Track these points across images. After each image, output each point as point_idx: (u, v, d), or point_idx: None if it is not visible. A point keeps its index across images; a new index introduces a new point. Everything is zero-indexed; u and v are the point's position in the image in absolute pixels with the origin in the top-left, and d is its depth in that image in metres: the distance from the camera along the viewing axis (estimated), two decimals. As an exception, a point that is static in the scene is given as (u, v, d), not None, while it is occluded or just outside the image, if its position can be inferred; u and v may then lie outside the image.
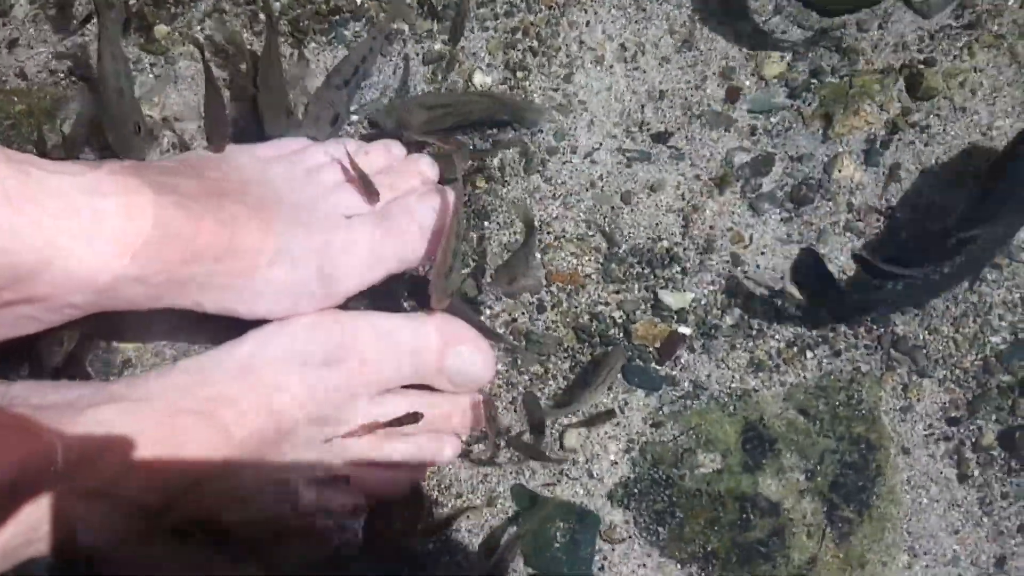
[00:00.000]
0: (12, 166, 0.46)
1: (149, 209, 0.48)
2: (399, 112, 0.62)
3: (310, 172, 0.57)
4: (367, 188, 0.55)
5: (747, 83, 0.66)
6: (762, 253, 0.63)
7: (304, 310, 0.55)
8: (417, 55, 0.66)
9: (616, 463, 0.60)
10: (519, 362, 0.61)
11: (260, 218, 0.53)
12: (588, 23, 0.66)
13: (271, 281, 0.53)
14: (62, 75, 0.64)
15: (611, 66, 0.66)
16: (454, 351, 0.56)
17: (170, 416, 0.49)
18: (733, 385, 0.60)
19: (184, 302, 0.52)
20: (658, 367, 0.61)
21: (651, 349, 0.61)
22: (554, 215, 0.63)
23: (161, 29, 0.65)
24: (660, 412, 0.60)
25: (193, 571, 0.54)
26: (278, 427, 0.52)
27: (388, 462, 0.56)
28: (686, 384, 0.61)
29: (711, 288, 0.62)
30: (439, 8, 0.66)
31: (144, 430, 0.48)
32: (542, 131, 0.65)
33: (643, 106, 0.65)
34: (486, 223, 0.63)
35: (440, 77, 0.66)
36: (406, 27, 0.66)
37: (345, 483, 0.55)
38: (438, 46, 0.67)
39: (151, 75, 0.65)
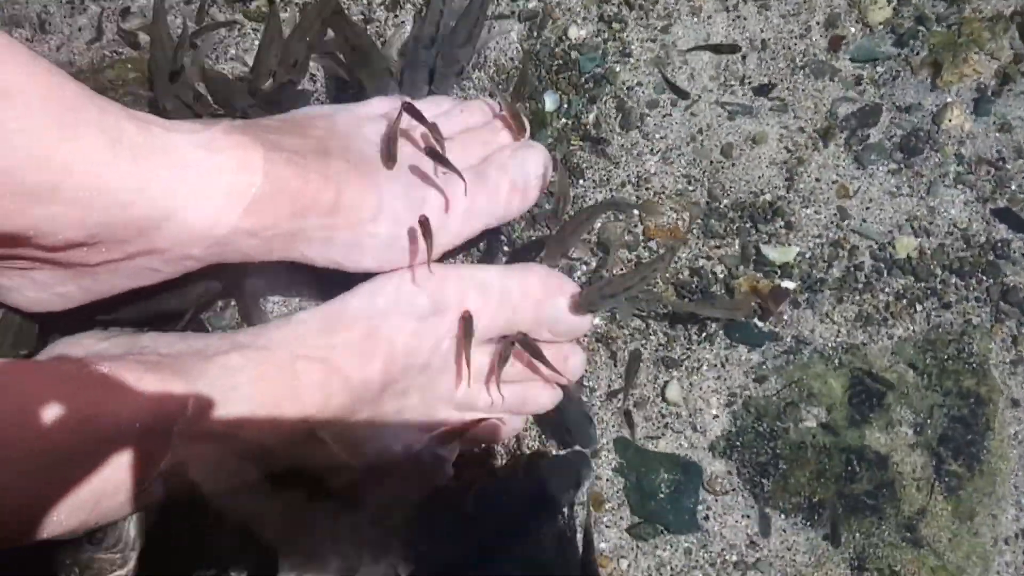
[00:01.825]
0: (136, 123, 0.47)
1: (260, 164, 0.49)
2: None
3: (407, 130, 0.58)
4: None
5: (852, 30, 0.64)
6: (868, 206, 0.61)
7: (404, 263, 0.56)
8: (512, 13, 0.66)
9: (718, 416, 0.60)
10: (618, 317, 0.62)
11: (362, 174, 0.54)
12: (686, -27, 0.65)
13: (374, 235, 0.54)
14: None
15: (710, 16, 0.65)
16: (552, 301, 0.56)
17: (291, 363, 0.51)
18: (839, 339, 0.60)
19: (293, 255, 0.54)
20: (760, 323, 0.60)
21: (753, 304, 0.60)
22: (652, 170, 0.63)
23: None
24: (763, 367, 0.60)
25: (295, 518, 0.56)
26: (389, 374, 0.53)
27: (491, 410, 0.57)
28: (789, 339, 0.60)
29: (816, 242, 0.61)
30: (534, -37, 0.66)
31: (267, 376, 0.50)
32: (641, 84, 0.64)
33: (744, 57, 0.64)
34: (580, 181, 0.64)
35: (535, 34, 0.66)
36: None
37: (450, 430, 0.56)
38: (532, 3, 0.66)
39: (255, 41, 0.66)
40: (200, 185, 0.48)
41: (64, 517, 0.44)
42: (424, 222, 0.52)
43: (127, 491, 0.47)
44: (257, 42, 0.65)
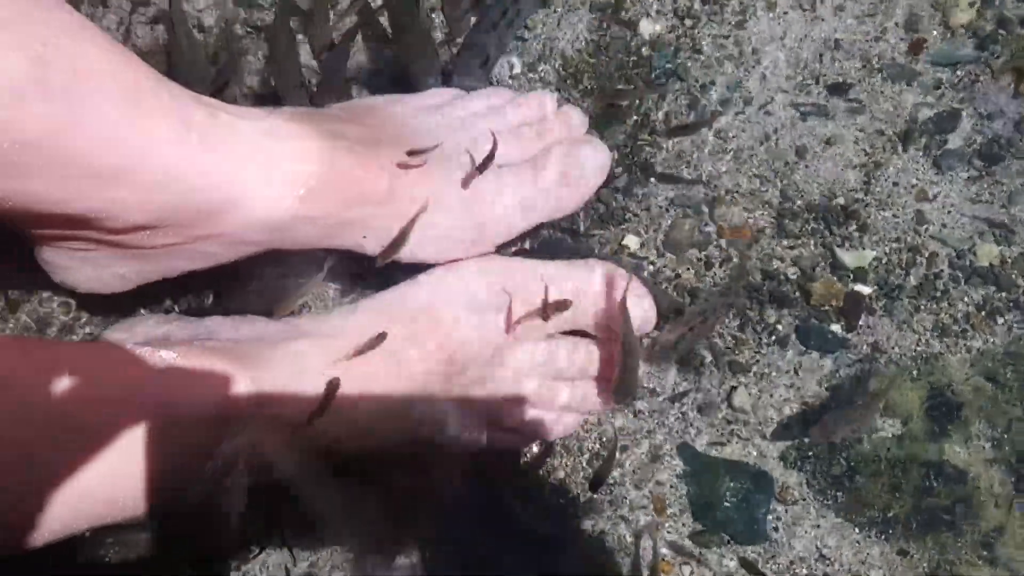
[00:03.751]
0: (204, 109, 0.46)
1: (319, 153, 0.49)
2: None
3: (464, 121, 0.57)
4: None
5: (933, 33, 0.62)
6: (948, 212, 0.60)
7: (458, 255, 0.55)
8: (583, 3, 0.65)
9: (789, 425, 0.58)
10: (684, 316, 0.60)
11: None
12: (762, -32, 0.64)
13: (428, 225, 0.53)
14: (237, 26, 0.64)
15: (785, 13, 0.63)
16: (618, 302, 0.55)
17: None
18: (918, 349, 0.58)
19: (348, 243, 0.53)
20: (835, 328, 0.58)
21: (827, 309, 0.59)
22: (724, 169, 0.62)
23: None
24: (836, 375, 0.58)
25: (357, 507, 0.55)
26: (451, 366, 0.52)
27: (551, 406, 0.55)
28: (864, 347, 0.58)
29: (893, 247, 0.59)
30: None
31: (333, 363, 0.49)
32: (713, 83, 0.63)
33: (820, 56, 0.63)
34: (651, 180, 0.62)
35: (605, 25, 0.64)
36: (571, -25, 0.65)
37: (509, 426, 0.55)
38: (603, -4, 0.65)
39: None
40: (262, 172, 0.47)
41: (137, 502, 0.43)
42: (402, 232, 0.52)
43: (199, 479, 0.46)
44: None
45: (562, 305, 0.53)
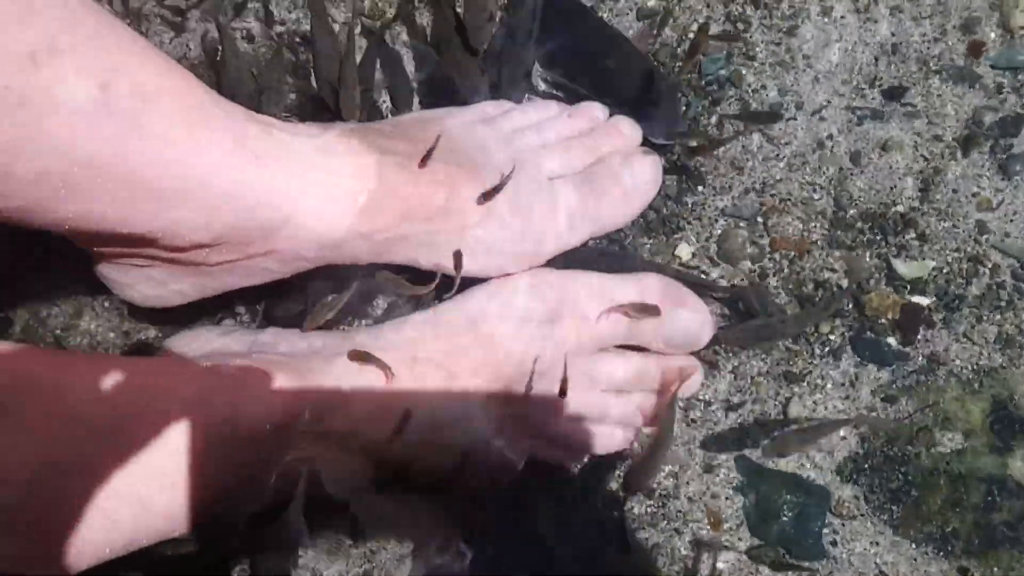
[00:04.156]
0: (258, 126, 0.47)
1: (374, 169, 0.49)
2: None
3: (514, 134, 0.57)
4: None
5: (992, 36, 0.61)
6: (1011, 220, 0.58)
7: (511, 269, 0.55)
8: (630, 11, 0.64)
9: (845, 438, 0.57)
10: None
11: (470, 179, 0.53)
12: (816, -28, 0.63)
13: (480, 240, 0.53)
14: (286, 37, 0.65)
15: (840, 16, 0.62)
16: (673, 313, 0.54)
17: (409, 365, 0.50)
18: (980, 362, 0.57)
19: (401, 258, 0.53)
20: (891, 341, 0.57)
21: (883, 321, 0.58)
22: (777, 177, 0.61)
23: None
24: (893, 387, 0.57)
25: (406, 519, 0.56)
26: (503, 378, 0.52)
27: (603, 420, 0.55)
28: (921, 359, 0.57)
29: (954, 256, 0.58)
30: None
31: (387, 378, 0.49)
32: (764, 87, 0.62)
33: (875, 60, 0.61)
34: (700, 187, 0.61)
35: (655, 32, 0.64)
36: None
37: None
38: (652, 2, 0.64)
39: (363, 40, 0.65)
40: (317, 189, 0.47)
41: (193, 515, 0.43)
42: (457, 255, 0.52)
43: (250, 491, 0.46)
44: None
45: (652, 311, 0.52)
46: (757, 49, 0.62)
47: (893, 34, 0.62)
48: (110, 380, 0.42)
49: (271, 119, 0.49)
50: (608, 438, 0.56)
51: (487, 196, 0.51)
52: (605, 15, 0.64)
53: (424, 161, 0.50)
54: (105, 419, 0.41)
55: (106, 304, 0.60)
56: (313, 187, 0.47)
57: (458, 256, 0.52)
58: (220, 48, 0.58)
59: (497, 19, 0.63)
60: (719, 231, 0.60)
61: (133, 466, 0.42)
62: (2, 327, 0.59)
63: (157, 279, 0.51)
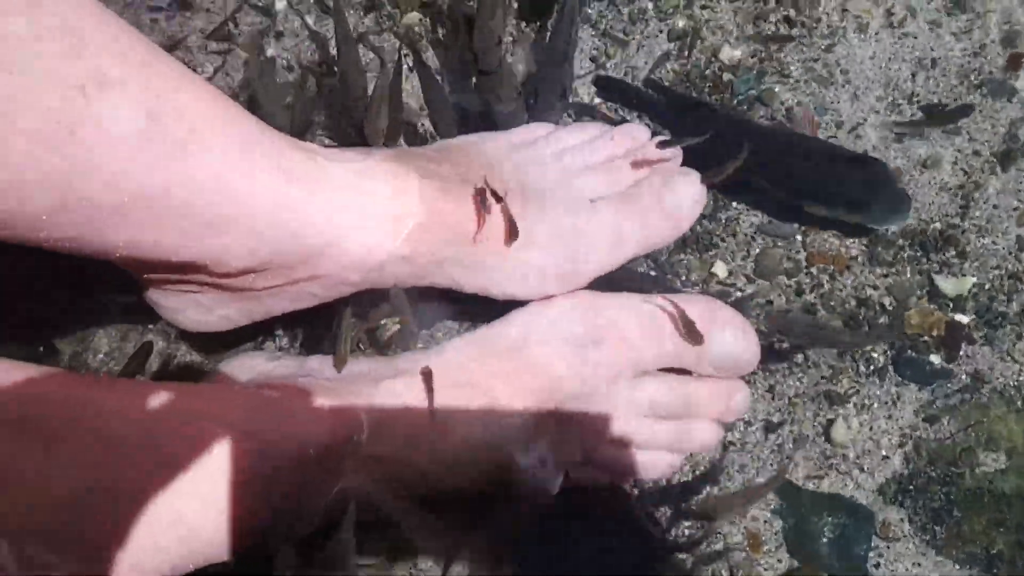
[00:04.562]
0: (302, 153, 0.48)
1: (416, 193, 0.49)
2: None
3: (555, 157, 0.57)
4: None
5: (1033, 48, 0.60)
6: (1054, 235, 0.57)
7: (553, 291, 0.55)
8: (661, 32, 0.65)
9: (888, 458, 0.57)
10: (776, 348, 0.59)
11: (511, 202, 0.53)
12: (851, -11, 0.62)
13: (522, 262, 0.53)
14: (323, 65, 0.66)
15: (876, 33, 0.62)
16: (719, 334, 0.54)
17: (452, 389, 0.51)
18: (1022, 379, 0.56)
19: (443, 281, 0.54)
20: (933, 359, 0.57)
21: (926, 339, 0.57)
22: (814, 194, 0.60)
23: (412, 16, 0.66)
24: (934, 406, 0.57)
25: (440, 541, 0.56)
26: (544, 403, 0.53)
27: (649, 445, 0.55)
28: (964, 377, 0.57)
29: (995, 273, 0.57)
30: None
31: (428, 402, 0.50)
32: (800, 104, 0.62)
33: (913, 75, 0.61)
34: (735, 204, 0.61)
35: (685, 53, 0.64)
36: (649, 4, 0.65)
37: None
38: (682, 23, 0.65)
39: (406, 64, 0.66)
40: (361, 213, 0.48)
41: (238, 540, 0.44)
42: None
43: (298, 517, 0.47)
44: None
45: (695, 336, 0.52)
46: (792, 68, 0.62)
47: (932, 48, 0.61)
48: (156, 405, 0.43)
49: (314, 146, 0.49)
50: (654, 463, 0.55)
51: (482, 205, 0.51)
52: (637, 37, 0.64)
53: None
54: (152, 444, 0.42)
55: (150, 327, 0.62)
56: (355, 212, 0.48)
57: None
58: (258, 78, 0.60)
59: (509, 41, 0.64)
60: (756, 249, 0.60)
61: (181, 491, 0.42)
62: (49, 354, 0.60)
63: (205, 304, 0.53)
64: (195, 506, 0.43)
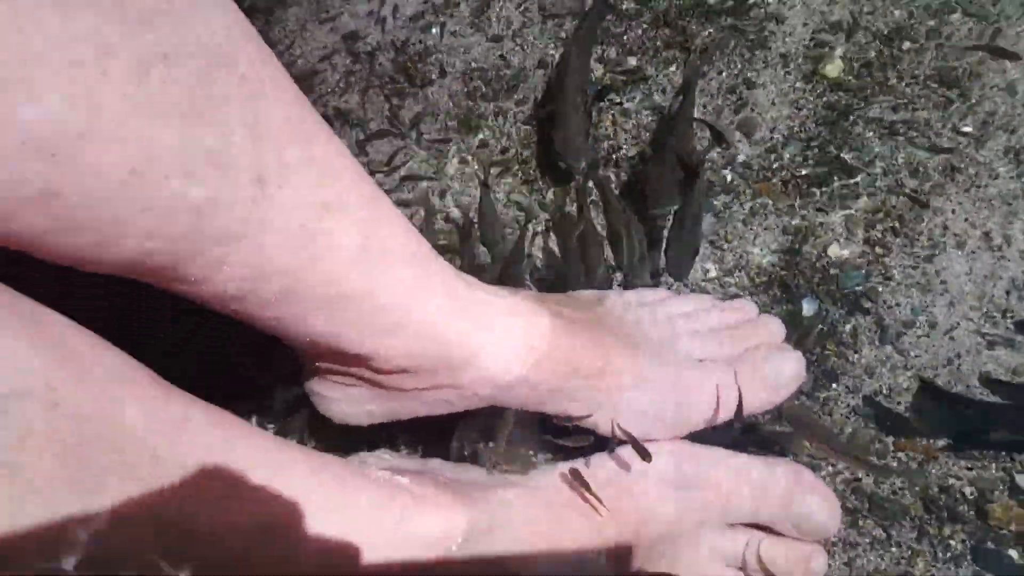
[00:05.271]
0: (463, 282, 0.57)
1: (548, 329, 0.58)
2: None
3: (669, 319, 0.65)
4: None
5: (1123, 282, 0.65)
6: None
7: (654, 434, 0.61)
8: (777, 226, 0.73)
9: (962, 645, 0.58)
10: (859, 523, 0.63)
11: (628, 347, 0.60)
12: (953, 211, 0.70)
13: (632, 402, 0.60)
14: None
15: (974, 252, 0.69)
16: (802, 498, 0.58)
17: (557, 508, 0.57)
18: (1103, 587, 0.58)
19: (556, 408, 0.61)
20: (1014, 554, 0.59)
21: (1006, 532, 0.60)
22: (905, 386, 0.66)
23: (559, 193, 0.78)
24: (1013, 602, 0.58)
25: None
26: (639, 537, 0.57)
27: (728, 593, 0.59)
28: (1045, 576, 0.59)
29: (1077, 481, 0.61)
30: (803, 187, 0.73)
31: (536, 517, 0.56)
32: (899, 304, 0.68)
33: (1007, 293, 0.67)
34: (834, 385, 0.67)
35: (797, 247, 0.72)
36: (769, 201, 0.74)
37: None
38: (796, 221, 0.73)
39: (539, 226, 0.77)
40: (501, 339, 0.57)
41: None
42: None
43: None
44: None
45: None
46: (894, 271, 0.69)
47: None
48: (298, 477, 0.50)
49: (472, 278, 0.59)
50: None
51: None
52: (754, 227, 0.73)
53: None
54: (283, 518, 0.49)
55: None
56: (498, 337, 0.57)
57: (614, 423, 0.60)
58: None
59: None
60: (849, 429, 0.65)
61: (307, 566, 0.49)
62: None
63: (356, 398, 0.61)
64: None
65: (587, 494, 0.57)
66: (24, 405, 0.33)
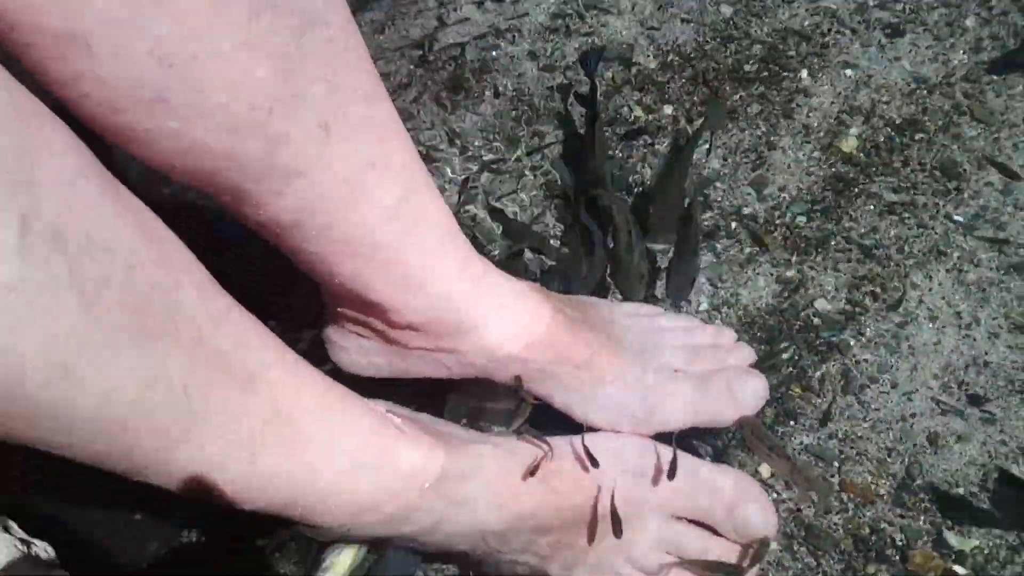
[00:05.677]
0: (480, 261, 0.64)
1: (548, 318, 0.65)
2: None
3: (656, 331, 0.72)
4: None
5: (1074, 377, 0.71)
6: (1059, 527, 0.66)
7: (622, 428, 0.67)
8: (772, 274, 0.80)
9: (865, 669, 0.63)
10: (793, 548, 0.68)
11: (614, 348, 0.68)
12: (931, 289, 0.77)
13: (608, 395, 0.67)
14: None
15: (943, 327, 0.75)
16: (744, 505, 0.64)
17: (520, 473, 0.63)
18: (1001, 637, 0.63)
19: (541, 391, 0.67)
20: (927, 598, 0.65)
21: (923, 577, 0.65)
22: (859, 434, 0.72)
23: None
24: (920, 640, 0.64)
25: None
26: (592, 510, 0.64)
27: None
28: (951, 623, 0.64)
29: (997, 542, 0.66)
30: (800, 244, 0.81)
31: (508, 469, 0.62)
32: (867, 360, 0.75)
33: (966, 367, 0.73)
34: (792, 422, 0.73)
35: (786, 296, 0.79)
36: (764, 256, 0.81)
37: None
38: (790, 272, 0.80)
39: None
40: (504, 316, 0.64)
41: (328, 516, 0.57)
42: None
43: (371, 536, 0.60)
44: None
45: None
46: (868, 330, 0.76)
47: (987, 353, 0.74)
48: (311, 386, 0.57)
49: (488, 261, 0.67)
50: None
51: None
52: (749, 273, 0.80)
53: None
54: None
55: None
56: (503, 316, 0.64)
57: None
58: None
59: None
60: (799, 463, 0.71)
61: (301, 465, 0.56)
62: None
63: (365, 349, 0.69)
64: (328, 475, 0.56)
65: (583, 455, 0.64)
66: (107, 257, 0.41)
